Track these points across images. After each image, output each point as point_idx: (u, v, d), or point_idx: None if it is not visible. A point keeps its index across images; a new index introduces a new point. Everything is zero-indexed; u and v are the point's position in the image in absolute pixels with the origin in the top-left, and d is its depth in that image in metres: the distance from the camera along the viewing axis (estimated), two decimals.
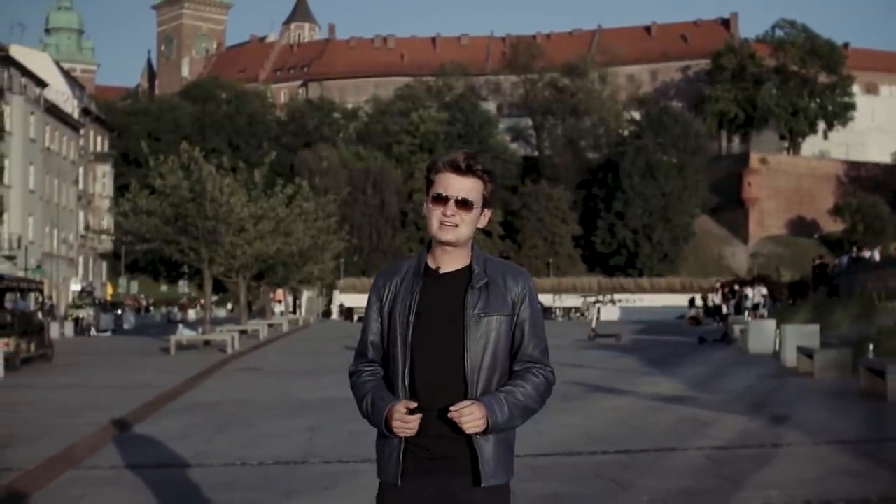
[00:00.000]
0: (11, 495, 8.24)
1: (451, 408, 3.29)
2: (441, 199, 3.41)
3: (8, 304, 24.76)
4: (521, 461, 9.08)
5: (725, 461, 9.57)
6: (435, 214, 3.42)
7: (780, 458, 9.70)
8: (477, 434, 3.33)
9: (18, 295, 25.60)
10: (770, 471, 9.01)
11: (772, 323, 27.03)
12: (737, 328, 30.41)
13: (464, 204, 3.41)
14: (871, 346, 16.86)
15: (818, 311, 31.80)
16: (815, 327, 22.54)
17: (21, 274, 46.39)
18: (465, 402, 3.31)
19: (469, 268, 3.48)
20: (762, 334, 26.20)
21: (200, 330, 33.08)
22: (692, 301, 54.46)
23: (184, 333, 30.49)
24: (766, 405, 14.22)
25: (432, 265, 3.49)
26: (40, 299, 26.92)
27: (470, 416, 3.28)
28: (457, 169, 3.42)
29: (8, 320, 22.93)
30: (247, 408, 14.69)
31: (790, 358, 21.00)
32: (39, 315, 26.18)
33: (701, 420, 12.60)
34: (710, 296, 50.94)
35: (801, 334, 21.70)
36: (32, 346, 23.82)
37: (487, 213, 3.52)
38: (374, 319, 3.56)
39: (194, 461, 9.81)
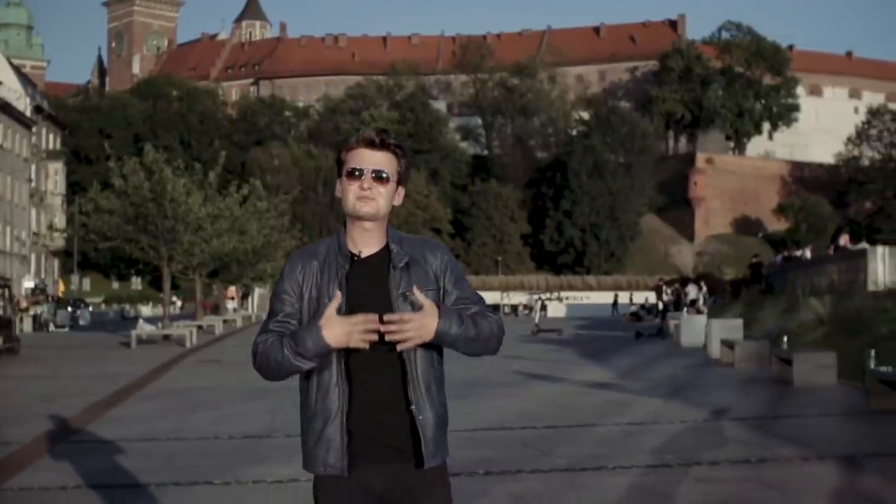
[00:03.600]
0: (13, 464, 9.44)
1: (385, 317, 3.22)
2: (356, 174, 3.36)
3: None
4: (459, 435, 10.59)
5: (636, 434, 11.05)
6: (351, 189, 3.37)
7: (684, 432, 11.18)
8: (419, 344, 3.28)
9: None
10: (672, 441, 10.47)
11: (703, 318, 28.57)
12: (672, 323, 31.95)
13: (379, 177, 3.37)
14: (784, 339, 18.43)
15: (750, 307, 33.49)
16: (739, 321, 24.24)
17: None
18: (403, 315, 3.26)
19: (387, 248, 3.43)
20: (694, 329, 27.57)
21: (159, 325, 34.14)
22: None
23: (144, 328, 31.63)
24: (683, 390, 15.74)
25: (353, 249, 3.41)
26: (7, 295, 27.79)
27: (410, 324, 3.21)
28: (371, 144, 3.38)
29: None
30: (212, 393, 16.04)
31: (715, 350, 22.54)
32: (6, 310, 27.12)
33: (622, 403, 14.08)
34: (648, 295, 52.56)
35: (726, 328, 23.32)
36: (1, 340, 24.84)
37: (402, 191, 3.47)
38: (288, 303, 3.41)
39: (172, 436, 11.14)
